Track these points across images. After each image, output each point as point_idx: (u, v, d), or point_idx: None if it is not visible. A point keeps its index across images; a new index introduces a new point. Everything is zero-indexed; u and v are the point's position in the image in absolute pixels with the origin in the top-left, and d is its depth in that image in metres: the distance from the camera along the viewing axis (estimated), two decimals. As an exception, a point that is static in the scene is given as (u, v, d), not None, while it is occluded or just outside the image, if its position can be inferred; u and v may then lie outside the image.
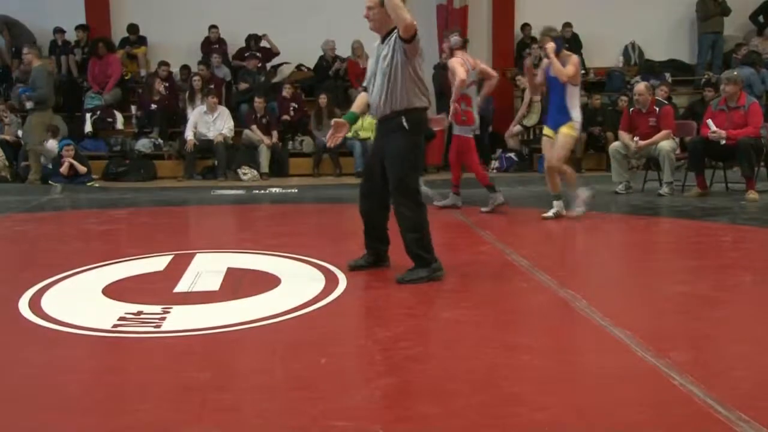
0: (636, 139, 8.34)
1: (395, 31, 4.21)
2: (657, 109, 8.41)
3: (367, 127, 11.13)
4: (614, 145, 8.70)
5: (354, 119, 4.60)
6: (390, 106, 4.29)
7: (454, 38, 7.13)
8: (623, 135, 8.56)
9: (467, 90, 7.03)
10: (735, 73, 8.27)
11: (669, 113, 8.48)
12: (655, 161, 8.51)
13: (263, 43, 12.28)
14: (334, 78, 12.09)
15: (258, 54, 12.09)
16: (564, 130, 6.49)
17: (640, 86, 8.59)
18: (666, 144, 8.19)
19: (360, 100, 4.61)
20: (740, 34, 12.98)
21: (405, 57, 4.20)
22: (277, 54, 12.29)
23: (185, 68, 12.01)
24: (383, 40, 4.33)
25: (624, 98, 11.02)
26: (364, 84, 4.56)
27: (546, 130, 6.73)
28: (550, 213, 6.69)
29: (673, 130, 8.46)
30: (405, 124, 4.25)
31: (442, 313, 3.77)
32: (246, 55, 12.11)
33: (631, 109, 8.72)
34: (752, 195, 7.64)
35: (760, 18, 12.89)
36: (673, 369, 2.81)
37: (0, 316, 3.84)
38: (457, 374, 2.90)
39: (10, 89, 11.71)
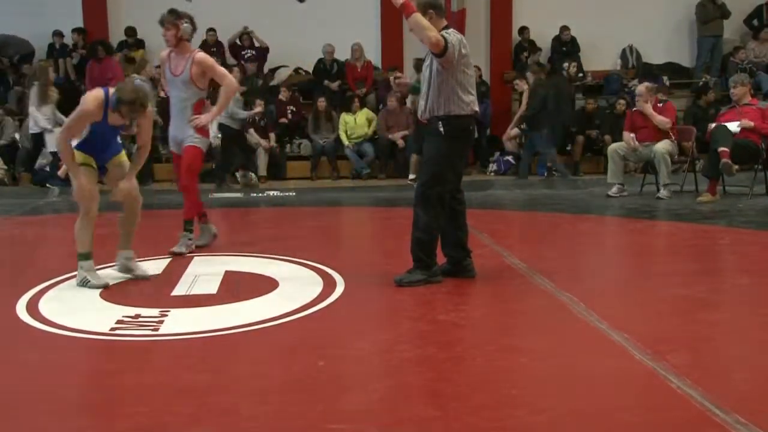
0: (632, 136, 8.34)
1: None
2: (660, 105, 8.47)
3: (361, 124, 11.18)
4: (613, 146, 8.68)
5: (415, 90, 4.68)
6: (430, 111, 4.34)
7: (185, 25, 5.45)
8: (627, 135, 8.59)
9: (201, 95, 5.72)
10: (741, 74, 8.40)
11: (671, 107, 8.56)
12: (652, 164, 8.52)
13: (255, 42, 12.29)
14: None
15: (252, 52, 12.09)
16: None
17: (641, 87, 8.62)
18: (660, 146, 8.19)
19: None
20: (737, 37, 13.02)
21: (442, 67, 4.23)
22: (266, 49, 12.27)
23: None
24: None
25: (622, 101, 11.04)
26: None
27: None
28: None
29: (674, 122, 8.49)
30: (441, 129, 4.28)
31: (439, 316, 3.77)
32: (243, 53, 12.10)
33: (633, 110, 8.73)
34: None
35: (755, 21, 12.92)
36: (670, 372, 2.81)
37: (-3, 319, 3.83)
38: (455, 377, 2.91)
39: (6, 93, 11.70)
